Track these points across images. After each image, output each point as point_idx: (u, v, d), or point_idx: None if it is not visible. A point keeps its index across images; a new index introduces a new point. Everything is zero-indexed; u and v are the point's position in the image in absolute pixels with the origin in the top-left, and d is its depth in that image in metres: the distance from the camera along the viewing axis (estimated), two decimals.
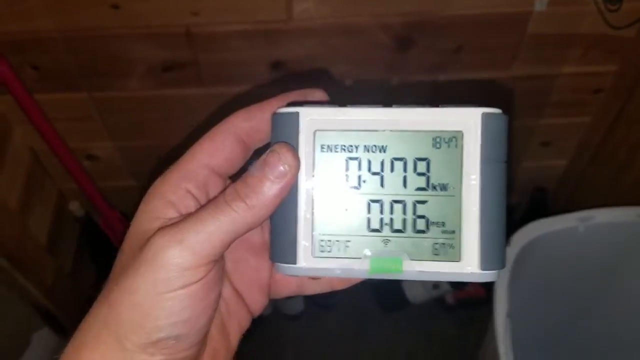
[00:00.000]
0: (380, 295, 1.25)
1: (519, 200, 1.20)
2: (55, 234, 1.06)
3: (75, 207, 1.10)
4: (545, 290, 0.93)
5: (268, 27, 0.85)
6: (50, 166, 1.06)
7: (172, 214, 0.28)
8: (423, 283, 1.21)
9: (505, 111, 0.29)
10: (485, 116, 0.29)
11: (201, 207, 0.27)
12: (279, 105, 0.30)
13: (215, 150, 0.29)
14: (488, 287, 1.10)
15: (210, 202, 0.27)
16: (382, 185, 0.29)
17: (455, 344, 1.22)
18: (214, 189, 0.29)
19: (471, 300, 1.22)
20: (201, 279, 0.26)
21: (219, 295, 0.29)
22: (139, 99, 0.96)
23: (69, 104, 0.96)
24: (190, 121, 0.97)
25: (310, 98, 0.31)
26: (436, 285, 1.21)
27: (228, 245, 0.27)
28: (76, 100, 0.95)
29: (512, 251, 0.79)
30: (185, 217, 0.27)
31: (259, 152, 0.30)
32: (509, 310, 0.74)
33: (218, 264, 0.27)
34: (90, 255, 1.18)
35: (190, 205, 0.28)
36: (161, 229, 0.27)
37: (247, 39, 0.87)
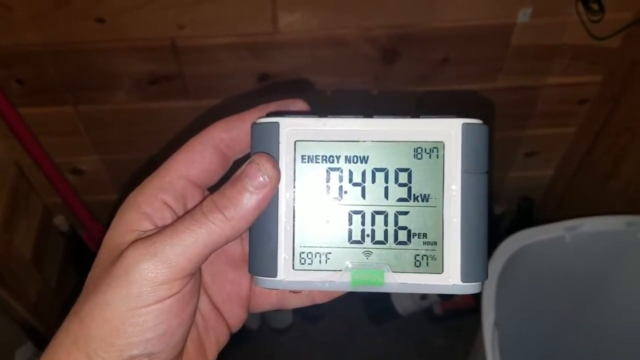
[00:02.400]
0: (369, 307, 1.25)
1: (506, 210, 1.20)
2: (40, 248, 1.05)
3: (60, 221, 1.09)
4: (533, 300, 0.93)
5: (254, 40, 0.85)
6: (35, 180, 1.05)
7: (147, 226, 0.27)
8: (411, 294, 1.20)
9: (486, 121, 0.29)
10: (465, 126, 0.29)
11: (177, 219, 0.27)
12: (258, 116, 0.30)
13: (194, 161, 0.28)
14: (476, 296, 1.10)
15: (187, 213, 0.27)
16: (363, 196, 0.29)
17: (444, 354, 1.22)
18: (192, 201, 0.29)
19: (459, 310, 1.22)
20: (176, 293, 0.25)
21: (195, 309, 0.28)
22: (125, 113, 0.95)
23: (54, 118, 0.95)
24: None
25: (291, 108, 0.30)
26: (424, 295, 1.21)
27: (205, 258, 0.26)
28: (61, 114, 0.95)
29: (498, 261, 0.79)
30: (161, 230, 0.26)
31: (238, 163, 0.29)
32: (497, 320, 0.74)
33: (194, 277, 0.27)
34: (75, 270, 1.16)
35: (166, 217, 0.27)
36: (135, 241, 0.26)
37: (234, 52, 0.87)
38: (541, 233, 0.84)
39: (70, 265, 1.15)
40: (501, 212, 1.19)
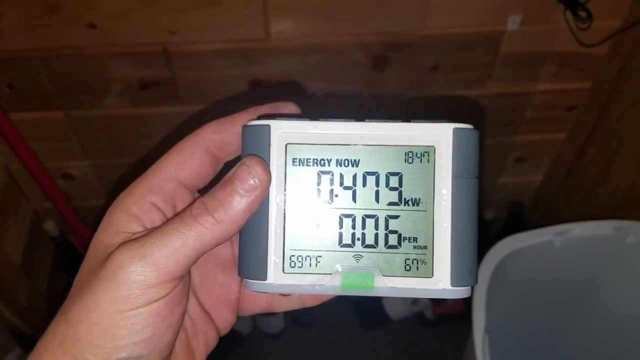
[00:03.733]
0: (360, 312, 1.25)
1: (496, 216, 1.21)
2: (30, 254, 1.04)
3: (50, 226, 1.08)
4: (523, 305, 0.94)
5: (246, 46, 0.86)
6: (25, 185, 1.04)
7: (136, 228, 0.27)
8: (402, 298, 1.20)
9: (477, 127, 0.30)
10: (456, 131, 0.29)
11: (167, 221, 0.27)
12: (250, 118, 0.29)
13: (183, 162, 0.28)
14: (467, 301, 1.10)
15: (177, 216, 0.27)
16: (354, 199, 0.29)
17: (435, 358, 1.22)
18: (182, 203, 0.29)
19: (450, 315, 1.22)
20: (165, 296, 0.25)
21: (184, 312, 0.28)
22: (116, 118, 0.95)
23: (45, 123, 0.95)
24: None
25: (282, 111, 0.30)
26: (415, 300, 1.21)
27: (194, 261, 0.26)
28: (52, 119, 0.94)
29: (489, 265, 0.79)
30: (150, 232, 0.26)
31: (229, 166, 0.29)
32: (487, 325, 0.74)
33: (183, 280, 0.27)
34: (65, 275, 1.16)
35: (155, 219, 0.27)
36: (123, 243, 0.26)
37: (225, 58, 0.87)
38: (531, 238, 0.84)
39: (61, 271, 1.15)
40: (491, 217, 1.19)
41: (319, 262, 0.29)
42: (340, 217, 0.29)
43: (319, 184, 0.29)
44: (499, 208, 1.20)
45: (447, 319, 1.23)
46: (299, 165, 0.29)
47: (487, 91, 0.97)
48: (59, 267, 1.14)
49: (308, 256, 0.29)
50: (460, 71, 0.94)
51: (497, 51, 0.90)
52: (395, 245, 0.29)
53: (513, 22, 0.86)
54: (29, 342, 1.00)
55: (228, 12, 0.81)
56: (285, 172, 0.29)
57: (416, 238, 0.29)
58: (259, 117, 0.30)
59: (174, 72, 0.88)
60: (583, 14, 0.83)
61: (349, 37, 0.86)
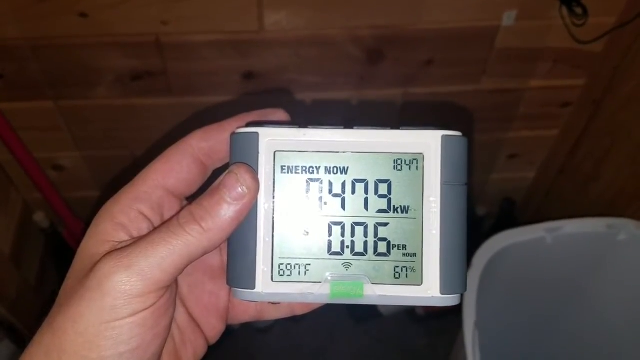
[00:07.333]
0: (351, 307, 1.25)
1: (488, 212, 1.21)
2: (20, 245, 1.03)
3: (40, 218, 1.08)
4: (514, 300, 0.94)
5: (239, 38, 0.85)
6: (15, 176, 1.03)
7: (122, 236, 0.27)
8: None
9: (468, 126, 0.29)
10: (445, 138, 0.29)
11: (153, 230, 0.26)
12: (238, 125, 0.29)
13: (171, 170, 0.28)
14: None
15: (163, 224, 0.26)
16: (343, 207, 0.29)
17: (426, 354, 1.22)
18: (170, 211, 0.28)
19: (441, 311, 1.23)
20: (151, 306, 0.25)
21: (171, 322, 0.27)
22: (107, 108, 0.94)
23: (35, 113, 0.94)
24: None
25: (271, 118, 0.30)
26: None
27: (181, 270, 0.26)
28: (42, 110, 0.93)
29: (480, 261, 0.80)
30: (136, 241, 0.26)
31: (218, 173, 0.29)
32: (477, 320, 0.74)
33: (170, 289, 0.26)
34: (55, 267, 1.15)
35: (142, 227, 0.27)
36: (109, 253, 0.25)
37: (218, 49, 0.86)
38: (523, 234, 0.84)
39: (51, 263, 1.14)
40: (483, 214, 1.19)
41: (308, 270, 0.29)
42: (329, 224, 0.29)
43: (307, 192, 0.29)
44: (491, 204, 1.21)
45: (437, 315, 1.24)
46: (288, 172, 0.29)
47: (481, 87, 0.96)
48: (49, 259, 1.13)
49: (297, 264, 0.29)
50: (455, 66, 0.93)
51: (492, 47, 0.90)
52: (385, 253, 0.29)
53: (508, 18, 0.86)
54: (18, 334, 1.00)
55: (222, 3, 0.80)
56: (274, 179, 0.29)
57: (405, 246, 0.29)
58: (248, 125, 0.29)
59: (166, 63, 0.87)
60: (579, 10, 0.82)
61: (343, 30, 0.85)
